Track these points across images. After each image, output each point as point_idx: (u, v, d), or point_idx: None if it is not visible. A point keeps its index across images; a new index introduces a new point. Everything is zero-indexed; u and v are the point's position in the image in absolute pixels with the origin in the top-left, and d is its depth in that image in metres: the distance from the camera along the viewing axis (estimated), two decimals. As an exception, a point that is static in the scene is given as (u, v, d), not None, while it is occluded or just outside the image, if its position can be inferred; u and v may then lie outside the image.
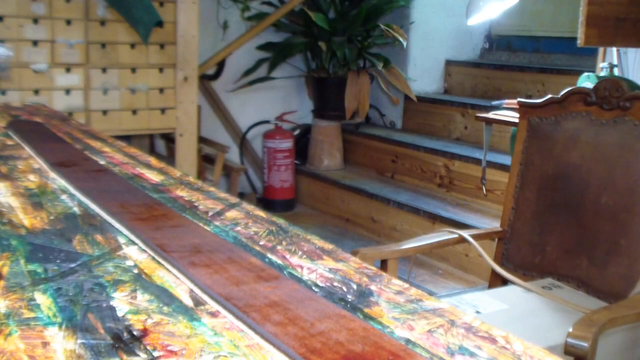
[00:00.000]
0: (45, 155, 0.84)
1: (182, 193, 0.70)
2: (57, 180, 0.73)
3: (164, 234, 0.54)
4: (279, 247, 0.54)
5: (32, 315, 0.40)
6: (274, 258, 0.51)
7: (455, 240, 1.72)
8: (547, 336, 1.39)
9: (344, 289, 0.45)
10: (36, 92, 2.85)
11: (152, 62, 3.04)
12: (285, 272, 0.48)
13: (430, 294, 0.48)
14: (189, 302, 0.43)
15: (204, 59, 3.65)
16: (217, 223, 0.60)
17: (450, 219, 3.06)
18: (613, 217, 1.55)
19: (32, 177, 0.75)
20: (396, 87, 3.84)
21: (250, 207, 0.65)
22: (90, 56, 2.93)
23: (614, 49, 2.55)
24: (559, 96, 1.70)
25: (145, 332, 0.38)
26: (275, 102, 4.32)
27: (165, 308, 0.42)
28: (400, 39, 3.65)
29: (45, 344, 0.37)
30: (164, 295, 0.44)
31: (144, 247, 0.52)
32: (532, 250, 1.71)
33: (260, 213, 0.64)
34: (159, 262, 0.49)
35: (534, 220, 1.71)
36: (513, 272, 1.69)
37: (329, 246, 0.54)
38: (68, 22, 2.89)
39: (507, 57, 4.22)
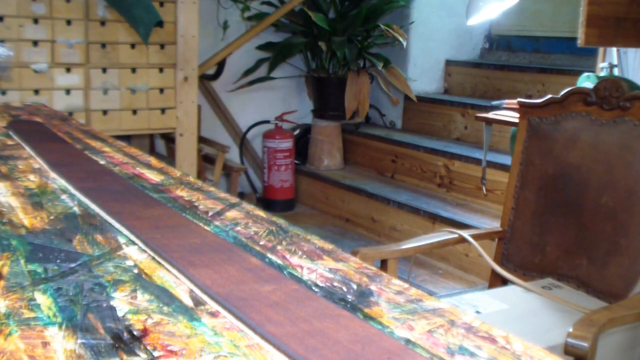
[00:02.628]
0: (45, 155, 0.84)
1: (182, 193, 0.70)
2: (57, 180, 0.73)
3: (164, 234, 0.54)
4: (279, 247, 0.54)
5: (32, 315, 0.40)
6: (274, 258, 0.51)
7: (455, 240, 1.72)
8: (547, 336, 1.39)
9: (344, 289, 0.46)
10: (36, 92, 2.85)
11: (152, 62, 3.04)
12: (285, 272, 0.48)
13: (430, 294, 0.48)
14: (189, 302, 0.43)
15: (204, 59, 3.65)
16: (217, 223, 0.60)
17: (450, 219, 3.06)
18: (613, 217, 1.55)
19: (32, 177, 0.75)
20: (396, 87, 3.84)
21: (250, 207, 0.65)
22: (90, 56, 2.93)
23: (614, 49, 2.55)
24: (559, 96, 1.70)
25: (145, 332, 0.38)
26: (275, 102, 4.32)
27: (165, 308, 0.42)
28: (400, 39, 3.65)
29: (45, 344, 0.37)
30: (164, 295, 0.44)
31: (144, 247, 0.52)
32: (532, 250, 1.71)
33: (260, 213, 0.64)
34: (159, 262, 0.49)
35: (534, 220, 1.71)
36: (513, 272, 1.69)
37: (329, 246, 0.54)
38: (68, 22, 2.89)
39: (507, 57, 4.22)
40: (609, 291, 1.54)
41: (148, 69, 3.03)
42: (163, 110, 3.12)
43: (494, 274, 1.74)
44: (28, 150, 0.89)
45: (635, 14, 2.20)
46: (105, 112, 3.00)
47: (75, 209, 0.63)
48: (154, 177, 0.78)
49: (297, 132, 4.28)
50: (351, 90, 3.96)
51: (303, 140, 4.27)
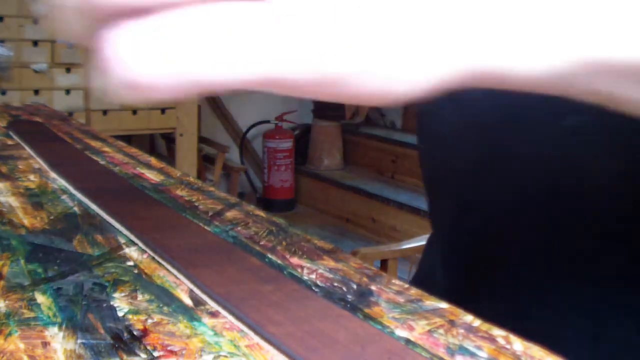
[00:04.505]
0: (45, 155, 0.84)
1: (182, 193, 0.70)
2: (57, 180, 0.73)
3: (164, 234, 0.54)
4: (279, 247, 0.54)
5: (32, 315, 0.40)
6: (274, 258, 0.51)
7: (455, 240, 1.71)
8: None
9: (344, 289, 0.46)
10: (36, 92, 2.85)
11: (152, 62, 3.03)
12: (285, 272, 0.48)
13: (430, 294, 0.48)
14: (189, 302, 0.43)
15: (204, 59, 3.64)
16: (217, 223, 0.60)
17: (450, 219, 3.05)
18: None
19: (32, 177, 0.75)
20: (396, 87, 3.84)
21: (250, 207, 0.65)
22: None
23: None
24: (559, 96, 1.70)
25: (145, 332, 0.38)
26: (275, 102, 4.32)
27: (165, 308, 0.42)
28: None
29: (45, 344, 0.37)
30: (164, 295, 0.44)
31: (144, 247, 0.52)
32: (532, 250, 1.70)
33: (260, 213, 0.64)
34: (159, 262, 0.49)
35: (534, 220, 1.71)
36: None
37: (329, 246, 0.54)
38: (68, 22, 2.89)
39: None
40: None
41: (148, 69, 3.03)
42: (163, 110, 3.12)
43: (494, 274, 1.74)
44: (28, 150, 0.89)
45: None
46: (105, 112, 3.00)
47: (75, 209, 0.63)
48: (154, 177, 0.78)
49: (297, 132, 4.28)
50: (351, 90, 3.95)
51: (303, 140, 4.27)
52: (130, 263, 0.49)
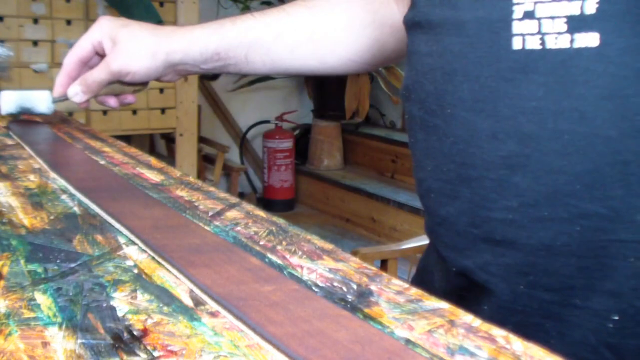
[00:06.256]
0: (45, 155, 0.84)
1: (182, 193, 0.70)
2: (57, 180, 0.73)
3: (164, 234, 0.54)
4: (279, 247, 0.54)
5: (32, 315, 0.40)
6: (274, 258, 0.51)
7: (455, 240, 1.71)
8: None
9: (344, 289, 0.45)
10: (36, 92, 2.85)
11: (152, 62, 3.03)
12: (285, 272, 0.48)
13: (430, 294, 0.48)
14: (189, 302, 0.43)
15: (204, 59, 3.64)
16: (217, 223, 0.60)
17: (450, 219, 3.05)
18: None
19: (32, 177, 0.75)
20: (396, 87, 3.84)
21: (250, 207, 0.65)
22: (90, 56, 2.93)
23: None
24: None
25: (145, 332, 0.38)
26: (275, 102, 4.32)
27: (165, 308, 0.42)
28: (400, 39, 3.65)
29: (45, 344, 0.37)
30: (164, 295, 0.44)
31: (144, 247, 0.52)
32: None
33: (260, 213, 0.64)
34: (159, 262, 0.49)
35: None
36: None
37: (329, 246, 0.54)
38: (68, 22, 2.89)
39: (507, 57, 4.21)
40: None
41: (148, 69, 3.03)
42: (163, 110, 3.12)
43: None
44: (28, 150, 0.89)
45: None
46: (105, 112, 3.00)
47: (75, 209, 0.63)
48: (154, 177, 0.78)
49: (297, 132, 4.28)
50: (351, 90, 3.96)
51: (303, 140, 4.27)
52: (130, 263, 0.49)
